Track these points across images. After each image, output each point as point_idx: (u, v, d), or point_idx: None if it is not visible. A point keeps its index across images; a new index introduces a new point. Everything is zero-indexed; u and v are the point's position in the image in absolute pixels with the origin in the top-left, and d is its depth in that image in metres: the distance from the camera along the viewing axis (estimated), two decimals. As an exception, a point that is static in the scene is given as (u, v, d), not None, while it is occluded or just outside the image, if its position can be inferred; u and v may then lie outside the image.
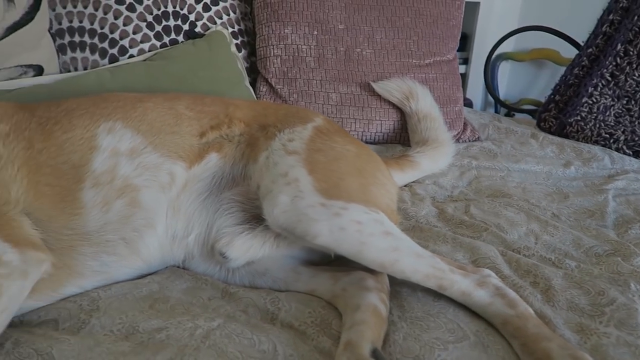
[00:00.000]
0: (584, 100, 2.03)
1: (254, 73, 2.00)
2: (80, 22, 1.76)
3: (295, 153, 1.11)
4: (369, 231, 0.96)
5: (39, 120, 1.07)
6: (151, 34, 1.83)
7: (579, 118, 2.00)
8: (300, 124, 1.22)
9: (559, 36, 2.82)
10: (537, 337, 0.84)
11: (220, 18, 1.96)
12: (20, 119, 1.05)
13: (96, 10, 1.77)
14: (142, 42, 1.81)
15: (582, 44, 2.26)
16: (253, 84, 1.96)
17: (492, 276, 0.99)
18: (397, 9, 1.91)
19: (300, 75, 1.85)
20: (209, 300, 0.98)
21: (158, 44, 1.84)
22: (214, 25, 1.93)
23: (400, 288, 1.02)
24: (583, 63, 2.14)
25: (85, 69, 1.76)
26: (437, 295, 0.98)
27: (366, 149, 1.25)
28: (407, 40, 1.90)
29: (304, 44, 1.86)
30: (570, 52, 2.59)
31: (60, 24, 1.74)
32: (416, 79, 1.83)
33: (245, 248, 1.05)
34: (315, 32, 1.86)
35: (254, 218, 1.10)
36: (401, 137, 1.86)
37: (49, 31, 1.69)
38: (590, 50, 2.14)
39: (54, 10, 1.73)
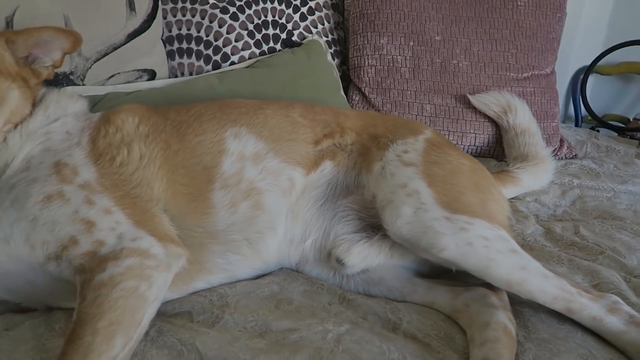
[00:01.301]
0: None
1: (345, 82, 2.03)
2: (188, 30, 1.86)
3: (412, 165, 1.12)
4: (496, 248, 0.95)
5: (172, 123, 1.14)
6: (251, 41, 1.91)
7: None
8: (411, 136, 1.23)
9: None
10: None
11: (315, 27, 2.01)
12: (156, 122, 1.13)
13: (203, 18, 1.87)
14: (242, 49, 1.89)
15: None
16: (345, 92, 1.99)
17: (620, 302, 0.95)
18: (495, 21, 1.88)
19: (394, 85, 1.86)
20: (329, 305, 1.01)
21: (257, 51, 1.91)
22: (310, 35, 1.98)
23: (520, 307, 1.00)
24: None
25: (191, 74, 1.86)
26: (561, 317, 0.96)
27: (478, 163, 1.24)
28: (505, 52, 1.86)
29: (400, 55, 1.87)
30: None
31: (170, 31, 1.85)
32: (513, 92, 1.79)
33: (362, 256, 1.07)
34: (412, 43, 1.87)
35: (370, 226, 1.11)
36: (495, 151, 1.83)
37: (161, 38, 1.80)
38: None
39: (165, 18, 1.84)
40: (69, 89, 1.55)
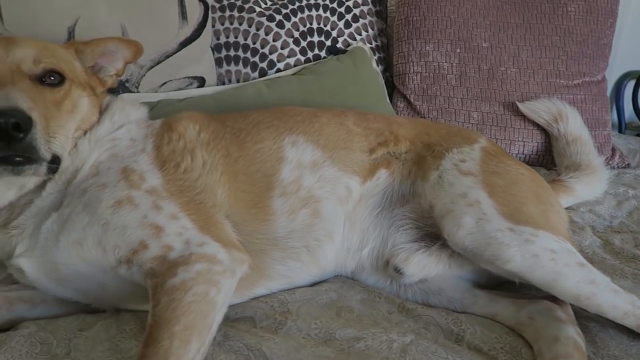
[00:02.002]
0: None
1: (389, 88, 2.02)
2: (236, 37, 1.89)
3: (470, 174, 1.11)
4: (564, 261, 0.93)
5: (231, 130, 1.16)
6: (297, 49, 1.93)
7: None
8: (467, 144, 1.22)
9: None
10: None
11: (360, 34, 2.02)
12: (215, 129, 1.16)
13: (250, 26, 1.89)
14: (288, 56, 1.91)
15: None
16: (388, 99, 1.99)
17: (695, 320, 0.92)
18: (545, 27, 1.85)
19: (440, 92, 1.85)
20: (389, 314, 1.01)
21: (302, 58, 1.93)
22: (354, 42, 1.99)
23: (587, 322, 0.98)
24: None
25: (238, 81, 1.89)
26: (631, 333, 0.93)
27: (536, 173, 1.22)
28: (555, 59, 1.83)
29: (446, 62, 1.85)
30: None
31: (218, 39, 1.89)
32: (564, 100, 1.75)
33: (421, 266, 1.07)
34: (458, 50, 1.85)
35: (428, 236, 1.11)
36: (544, 160, 1.79)
37: (209, 46, 1.84)
38: None
39: (213, 26, 1.87)
40: (125, 95, 1.60)
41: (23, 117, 0.85)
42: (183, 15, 1.72)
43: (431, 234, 1.11)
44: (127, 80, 1.65)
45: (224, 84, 1.88)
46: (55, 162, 0.96)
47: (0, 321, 0.98)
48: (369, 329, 0.91)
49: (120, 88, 1.64)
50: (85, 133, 1.07)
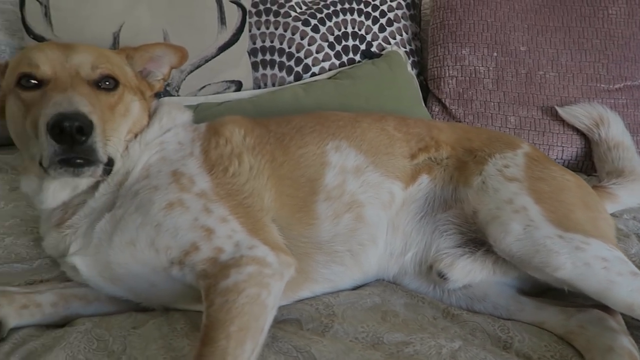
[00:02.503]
0: None
1: (423, 92, 2.01)
2: (272, 42, 1.92)
3: (515, 180, 1.10)
4: (617, 270, 0.91)
5: (275, 135, 1.18)
6: (332, 53, 1.94)
7: None
8: (509, 150, 1.21)
9: None
10: None
11: (394, 38, 2.02)
12: (259, 134, 1.17)
13: (285, 31, 1.92)
14: (323, 60, 1.93)
15: None
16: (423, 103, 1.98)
17: None
18: (585, 31, 1.82)
19: (476, 96, 1.83)
20: (434, 319, 1.01)
21: (337, 62, 1.94)
22: (389, 46, 1.99)
23: (637, 332, 0.96)
24: None
25: (273, 84, 1.92)
26: (686, 345, 0.91)
27: (581, 179, 1.20)
28: (596, 63, 1.79)
29: (482, 66, 1.84)
30: None
31: (254, 43, 1.92)
32: (604, 104, 1.72)
33: (466, 271, 1.06)
34: (495, 54, 1.84)
35: (472, 241, 1.10)
36: (584, 166, 1.76)
37: (246, 50, 1.87)
38: None
39: (250, 31, 1.90)
40: (169, 99, 1.64)
41: (85, 120, 0.88)
42: (222, 20, 1.75)
43: (475, 240, 1.10)
44: (168, 84, 1.69)
45: (259, 87, 1.91)
46: (109, 164, 0.99)
47: (57, 317, 1.01)
48: (417, 334, 0.92)
49: (161, 92, 1.68)
50: (135, 136, 1.10)
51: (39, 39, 1.58)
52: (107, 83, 1.04)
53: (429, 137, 1.24)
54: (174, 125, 1.16)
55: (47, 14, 1.57)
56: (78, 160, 0.91)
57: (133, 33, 1.63)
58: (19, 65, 1.01)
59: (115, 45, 1.61)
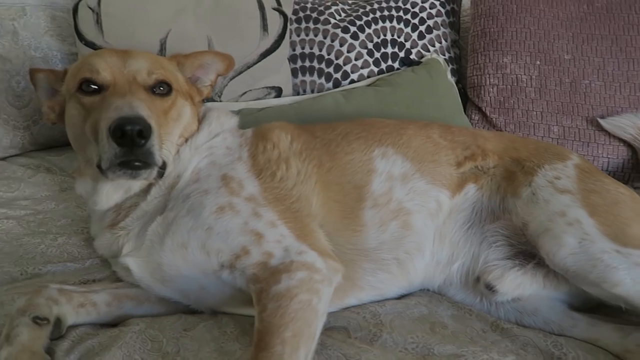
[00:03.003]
0: None
1: (462, 100, 1.99)
2: (311, 48, 1.93)
3: (567, 192, 1.08)
4: (679, 287, 0.89)
5: (321, 141, 1.18)
6: (370, 60, 1.94)
7: None
8: (558, 161, 1.19)
9: None
10: None
11: (433, 46, 2.01)
12: (306, 140, 1.18)
13: (325, 38, 1.93)
14: (362, 67, 1.93)
15: None
16: (462, 111, 1.96)
17: None
18: (633, 39, 1.77)
19: (518, 105, 1.80)
20: (483, 332, 0.99)
21: (376, 69, 1.94)
22: (428, 53, 1.98)
23: (699, 353, 0.93)
24: None
25: (312, 91, 1.93)
26: None
27: (634, 192, 1.17)
28: (644, 72, 1.75)
29: (525, 74, 1.81)
30: None
31: (294, 50, 1.93)
32: (653, 114, 1.67)
33: (515, 284, 1.05)
34: (538, 62, 1.81)
35: (521, 253, 1.09)
36: (630, 177, 1.71)
37: (287, 57, 1.89)
38: None
39: (290, 38, 1.92)
40: (216, 104, 1.67)
41: (146, 124, 0.90)
42: (264, 27, 1.77)
43: (525, 252, 1.08)
44: (211, 90, 1.72)
45: (298, 94, 1.93)
46: (163, 167, 1.01)
47: (110, 317, 1.04)
48: (468, 347, 0.91)
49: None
50: (186, 140, 1.12)
51: (90, 45, 1.63)
52: (162, 88, 1.07)
53: (474, 146, 1.23)
54: (221, 131, 1.18)
55: (98, 21, 1.62)
56: (136, 163, 0.94)
57: (179, 40, 1.67)
58: (81, 71, 1.05)
59: (162, 51, 1.65)
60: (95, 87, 1.03)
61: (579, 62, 1.79)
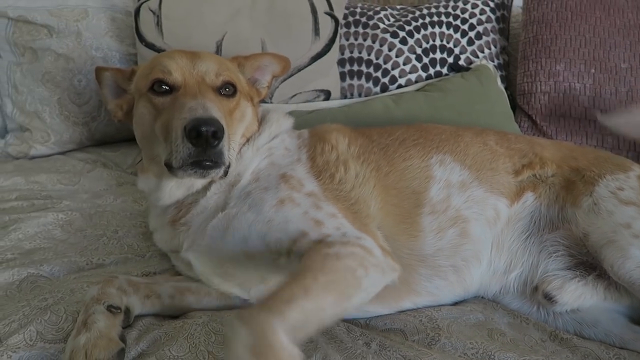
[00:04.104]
0: None
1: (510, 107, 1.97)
2: (360, 53, 1.95)
3: (632, 204, 1.06)
4: None
5: (378, 145, 1.19)
6: (419, 65, 1.94)
7: None
8: (620, 171, 1.16)
9: None
10: None
11: (482, 52, 1.99)
12: (363, 143, 1.20)
13: (373, 42, 1.94)
14: (410, 72, 1.93)
15: None
16: (510, 118, 1.94)
17: None
18: (694, 49, 1.72)
19: (570, 113, 1.78)
20: (542, 342, 0.99)
21: (424, 75, 1.94)
22: (477, 59, 1.97)
23: None
24: None
25: (359, 95, 1.94)
26: None
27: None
28: None
29: (578, 82, 1.78)
30: None
31: (342, 54, 1.95)
32: None
33: (576, 295, 1.03)
34: (593, 70, 1.77)
35: (582, 264, 1.07)
36: (688, 191, 1.66)
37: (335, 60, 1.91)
38: None
39: (339, 42, 1.94)
40: (268, 106, 1.71)
41: (219, 126, 0.93)
42: (316, 30, 1.80)
43: (585, 263, 1.07)
44: (262, 92, 1.76)
45: (346, 97, 1.95)
46: (228, 166, 1.03)
47: (172, 309, 1.08)
48: (530, 355, 0.90)
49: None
50: (247, 140, 1.15)
51: (150, 46, 1.69)
52: (227, 89, 1.10)
53: (532, 154, 1.22)
54: (280, 132, 1.21)
55: (158, 23, 1.68)
56: (207, 163, 0.96)
57: (234, 42, 1.71)
58: (153, 71, 1.08)
59: (218, 53, 1.70)
60: (167, 87, 1.06)
61: (636, 70, 1.75)
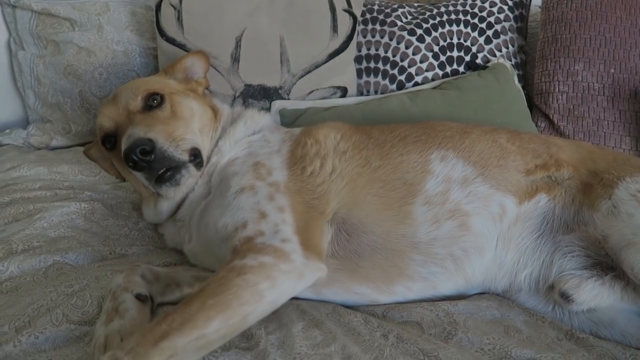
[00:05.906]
0: None
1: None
2: (377, 50, 1.96)
3: (652, 206, 1.06)
4: None
5: (375, 141, 1.21)
6: (436, 63, 1.95)
7: None
8: (640, 174, 1.16)
9: None
10: None
11: (500, 51, 1.99)
12: (357, 140, 1.21)
13: (390, 40, 1.95)
14: (426, 70, 1.94)
15: None
16: (527, 117, 1.94)
17: None
18: None
19: (588, 114, 1.77)
20: (558, 340, 0.99)
21: (440, 73, 1.95)
22: (494, 58, 1.96)
23: None
24: None
25: (376, 92, 1.95)
26: None
27: None
28: None
29: (597, 82, 1.77)
30: None
31: (359, 51, 1.96)
32: None
33: (593, 294, 1.04)
34: (612, 71, 1.76)
35: (598, 265, 1.07)
36: None
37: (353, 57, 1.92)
38: None
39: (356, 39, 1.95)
40: (278, 102, 1.74)
41: (143, 141, 1.02)
42: (334, 28, 1.81)
43: (602, 263, 1.07)
44: (280, 88, 1.77)
45: (362, 94, 1.95)
46: (196, 157, 1.12)
47: (190, 298, 1.11)
48: (547, 353, 0.91)
49: (274, 95, 1.77)
50: (222, 133, 1.25)
51: (171, 40, 1.72)
52: (154, 100, 1.19)
53: (547, 154, 1.21)
54: (259, 128, 1.29)
55: (179, 18, 1.70)
56: (167, 173, 1.06)
57: (253, 38, 1.73)
58: (98, 133, 1.23)
59: (237, 49, 1.72)
60: (111, 138, 1.20)
61: (657, 72, 1.73)
